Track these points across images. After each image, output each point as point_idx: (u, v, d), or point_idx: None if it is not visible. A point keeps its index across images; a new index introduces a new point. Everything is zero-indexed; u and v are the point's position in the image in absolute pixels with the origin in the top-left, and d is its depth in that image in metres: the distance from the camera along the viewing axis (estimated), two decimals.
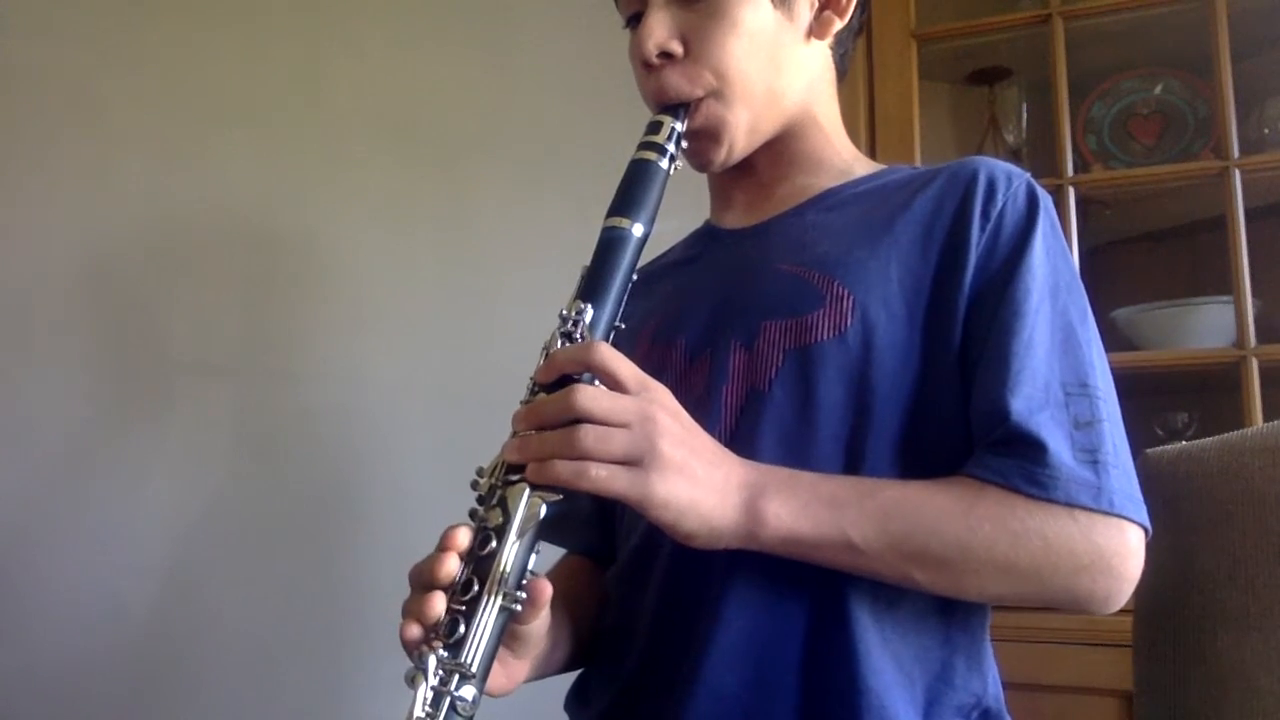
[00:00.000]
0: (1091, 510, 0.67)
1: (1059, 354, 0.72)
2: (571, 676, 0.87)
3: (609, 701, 0.80)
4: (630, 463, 0.64)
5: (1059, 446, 0.68)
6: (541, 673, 0.79)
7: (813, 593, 0.71)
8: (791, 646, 0.72)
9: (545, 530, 0.91)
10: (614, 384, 0.67)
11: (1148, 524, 0.70)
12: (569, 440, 0.64)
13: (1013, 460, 0.68)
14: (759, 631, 0.72)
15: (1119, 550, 0.68)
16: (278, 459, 1.47)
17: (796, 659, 0.71)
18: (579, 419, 0.64)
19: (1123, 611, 0.85)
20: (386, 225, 1.53)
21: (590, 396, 0.65)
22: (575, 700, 0.86)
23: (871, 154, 1.53)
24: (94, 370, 1.45)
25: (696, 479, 0.66)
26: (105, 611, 1.39)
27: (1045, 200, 0.78)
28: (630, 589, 0.81)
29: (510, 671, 0.72)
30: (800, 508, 0.67)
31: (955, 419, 0.74)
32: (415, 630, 0.64)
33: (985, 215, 0.76)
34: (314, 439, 1.48)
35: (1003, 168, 0.79)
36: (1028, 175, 0.79)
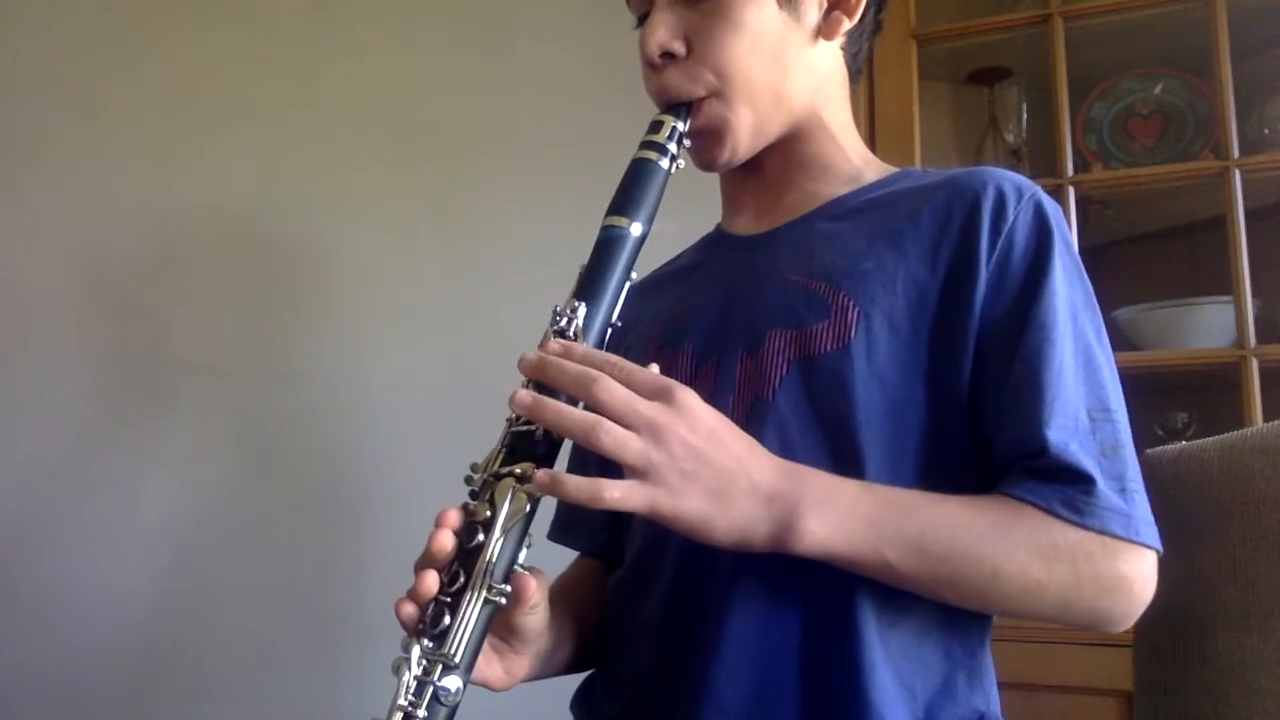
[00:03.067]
0: (1120, 538, 0.68)
1: (1083, 378, 0.72)
2: (577, 679, 0.87)
3: (615, 709, 0.80)
4: (636, 472, 0.64)
5: (1093, 474, 0.69)
6: (544, 671, 0.79)
7: (816, 606, 0.71)
8: (793, 659, 0.71)
9: (556, 533, 0.92)
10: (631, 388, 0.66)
11: (1161, 547, 0.71)
12: (589, 436, 0.64)
13: (1055, 486, 0.69)
14: (761, 644, 0.72)
15: (1139, 576, 0.69)
16: (278, 459, 1.47)
17: (798, 672, 0.71)
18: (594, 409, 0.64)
19: None
20: (387, 225, 1.53)
21: (609, 391, 0.65)
22: (581, 703, 0.85)
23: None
24: (94, 370, 1.45)
25: (709, 490, 0.65)
26: (105, 611, 1.39)
27: (1057, 215, 0.77)
28: (635, 595, 0.81)
29: (511, 667, 0.72)
30: (836, 524, 0.67)
31: (957, 433, 0.73)
32: (409, 609, 0.65)
33: (995, 230, 0.75)
34: (314, 439, 1.48)
35: (1012, 181, 0.77)
36: (1038, 189, 0.78)
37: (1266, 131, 1.51)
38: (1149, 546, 0.69)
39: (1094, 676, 1.28)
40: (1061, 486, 0.69)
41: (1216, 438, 0.83)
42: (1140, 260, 1.71)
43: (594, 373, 0.65)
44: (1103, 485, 0.69)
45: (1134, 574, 0.69)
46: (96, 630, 1.38)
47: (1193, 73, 1.55)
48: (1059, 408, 0.70)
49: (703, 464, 0.65)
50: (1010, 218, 0.75)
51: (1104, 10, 1.52)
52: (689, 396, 0.67)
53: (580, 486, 0.63)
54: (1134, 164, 1.56)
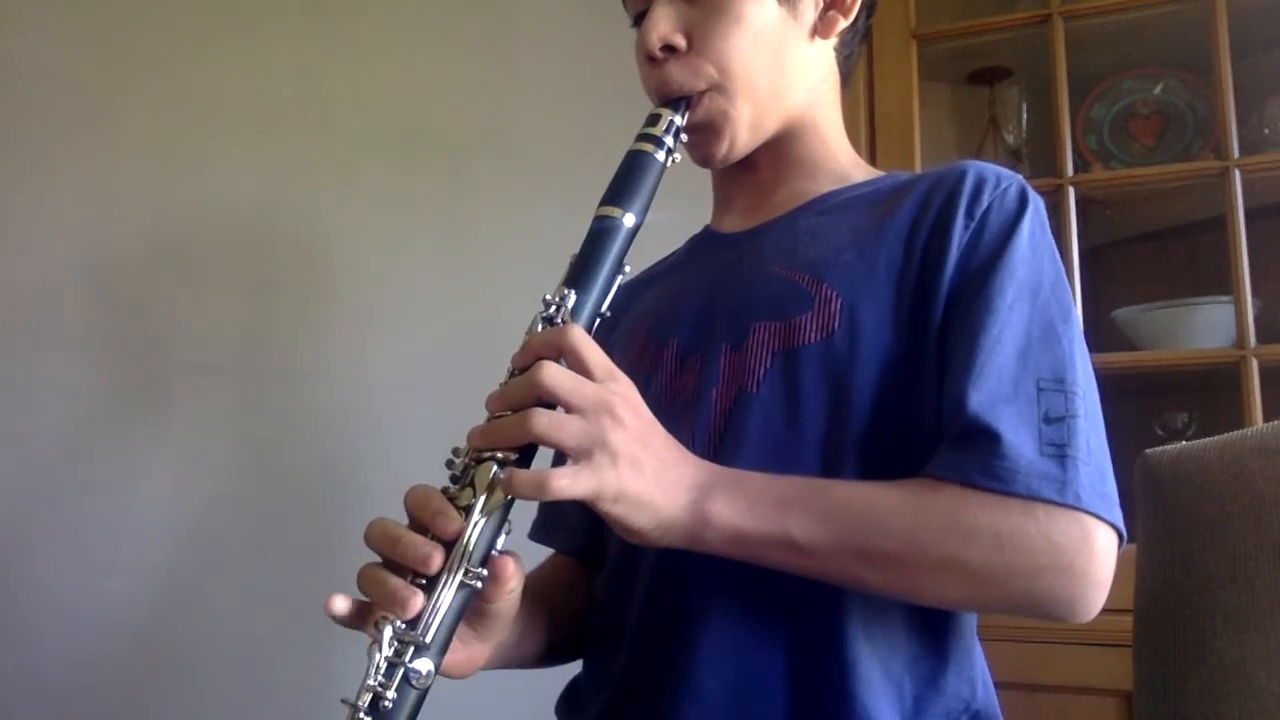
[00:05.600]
0: (1054, 504, 0.64)
1: (1036, 350, 0.70)
2: (561, 682, 0.87)
3: (599, 707, 0.79)
4: (581, 452, 0.63)
5: (1018, 439, 0.66)
6: (506, 662, 0.78)
7: (799, 599, 0.71)
8: (777, 653, 0.71)
9: (537, 533, 0.93)
10: (581, 369, 0.66)
11: (1120, 525, 0.67)
12: (523, 424, 0.63)
13: (969, 455, 0.66)
14: (744, 636, 0.72)
15: (1080, 550, 0.65)
16: (277, 459, 1.47)
17: (782, 665, 0.71)
18: (540, 396, 0.64)
19: (1123, 611, 0.85)
20: (387, 226, 1.53)
21: (553, 374, 0.64)
22: (566, 705, 0.86)
23: (871, 154, 1.54)
24: (94, 370, 1.45)
25: (647, 475, 0.65)
26: (104, 611, 1.39)
27: (1036, 202, 0.77)
28: (617, 591, 0.81)
29: (471, 653, 0.71)
30: (745, 506, 0.66)
31: (936, 421, 0.73)
32: (401, 591, 0.63)
33: (970, 214, 0.75)
34: (314, 439, 1.48)
35: (993, 169, 0.78)
36: (1020, 178, 0.78)
37: (1266, 131, 1.51)
38: (1097, 516, 0.65)
39: (1094, 676, 1.28)
40: (980, 454, 0.66)
41: (1216, 438, 0.83)
42: (1140, 260, 1.71)
43: (536, 367, 0.64)
44: (1026, 448, 0.65)
45: (1073, 547, 0.64)
46: (94, 630, 1.38)
47: (1193, 73, 1.55)
48: (989, 371, 0.68)
49: (644, 449, 0.65)
50: (986, 202, 0.75)
51: (1104, 10, 1.51)
52: (632, 388, 0.67)
53: (526, 481, 0.62)
54: (1134, 164, 1.56)
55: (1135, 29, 1.54)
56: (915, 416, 0.73)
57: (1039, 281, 0.73)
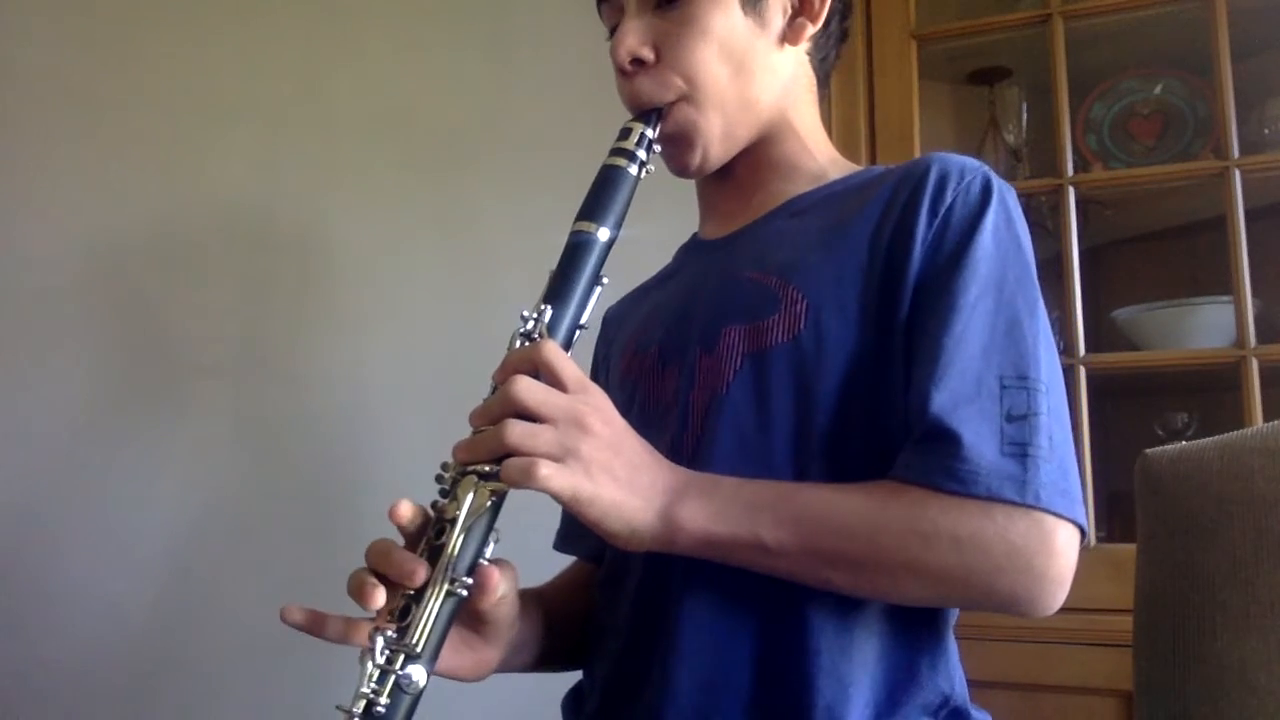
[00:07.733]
0: (1014, 504, 0.65)
1: (999, 347, 0.70)
2: (566, 683, 0.88)
3: (594, 705, 0.81)
4: (555, 460, 0.65)
5: (979, 439, 0.67)
6: (515, 664, 0.81)
7: (771, 593, 0.71)
8: (745, 646, 0.72)
9: (561, 543, 0.95)
10: (554, 381, 0.68)
11: (1081, 520, 0.68)
12: (499, 436, 0.65)
13: (932, 457, 0.67)
14: (718, 631, 0.73)
15: (1039, 549, 0.66)
16: (278, 458, 1.47)
17: (749, 658, 0.72)
18: (515, 409, 0.66)
19: (1123, 611, 0.85)
20: (387, 225, 1.53)
21: (525, 388, 0.66)
22: (570, 704, 0.87)
23: (871, 154, 1.54)
24: (95, 370, 1.45)
25: (620, 481, 0.67)
26: (108, 610, 1.39)
27: (1002, 192, 0.76)
28: (610, 593, 0.82)
29: (480, 657, 0.74)
30: (715, 511, 0.68)
31: (905, 417, 0.73)
32: (377, 596, 0.66)
33: (934, 210, 0.75)
34: (315, 439, 1.48)
35: (957, 162, 0.77)
36: (985, 169, 0.78)
37: (1266, 131, 1.51)
38: (1058, 515, 0.66)
39: (1094, 676, 1.28)
40: (942, 456, 0.67)
41: (1216, 438, 0.83)
42: (1140, 260, 1.71)
43: (510, 381, 0.67)
44: (986, 448, 0.66)
45: (1031, 547, 0.65)
46: (97, 628, 1.38)
47: (1193, 73, 1.55)
48: (953, 371, 0.69)
49: (615, 456, 0.67)
50: (949, 199, 0.75)
51: (1104, 10, 1.51)
52: (604, 398, 0.69)
53: (515, 467, 0.64)
54: (1134, 164, 1.56)
55: (1135, 29, 1.54)
56: (883, 414, 0.73)
57: (1003, 276, 0.73)
